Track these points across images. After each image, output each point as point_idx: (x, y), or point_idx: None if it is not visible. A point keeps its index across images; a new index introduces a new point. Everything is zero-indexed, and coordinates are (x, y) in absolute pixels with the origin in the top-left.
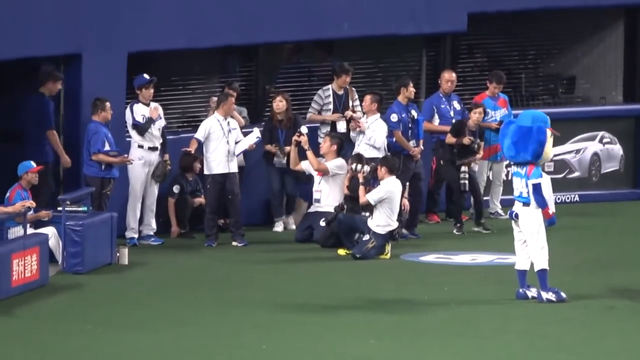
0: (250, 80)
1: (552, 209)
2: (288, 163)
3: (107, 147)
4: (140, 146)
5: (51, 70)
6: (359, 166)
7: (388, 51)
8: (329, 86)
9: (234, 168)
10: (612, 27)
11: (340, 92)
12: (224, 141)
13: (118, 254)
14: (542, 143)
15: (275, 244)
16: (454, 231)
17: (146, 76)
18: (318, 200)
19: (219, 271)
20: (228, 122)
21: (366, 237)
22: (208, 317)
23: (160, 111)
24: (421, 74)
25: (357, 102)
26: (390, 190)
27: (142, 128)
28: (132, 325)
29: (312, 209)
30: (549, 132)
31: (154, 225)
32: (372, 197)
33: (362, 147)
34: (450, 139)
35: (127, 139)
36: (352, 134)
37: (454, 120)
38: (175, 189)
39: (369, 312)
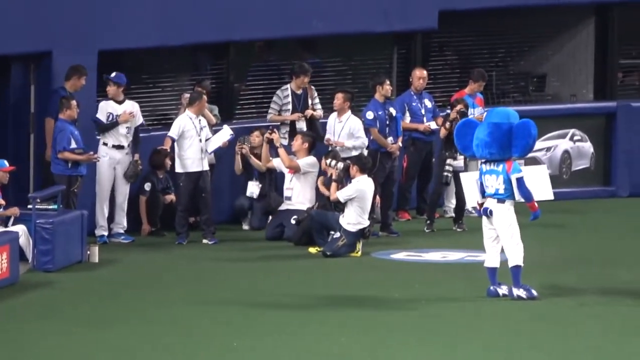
0: (221, 78)
1: (549, 196)
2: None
3: (73, 145)
4: (105, 143)
5: (78, 65)
6: (333, 162)
7: (359, 49)
8: (287, 86)
9: (206, 166)
10: (583, 25)
11: (299, 92)
12: (197, 139)
13: (88, 252)
14: (533, 136)
15: (245, 242)
16: (424, 229)
17: (108, 75)
18: (289, 198)
19: (190, 269)
20: (199, 120)
21: (337, 234)
22: (179, 314)
23: (137, 109)
24: (392, 72)
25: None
26: (360, 189)
27: (100, 125)
28: (103, 323)
29: (283, 207)
30: None
31: (124, 223)
32: (341, 194)
33: (347, 144)
34: (443, 131)
35: (97, 137)
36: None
37: (424, 119)
38: (147, 186)
39: (340, 309)
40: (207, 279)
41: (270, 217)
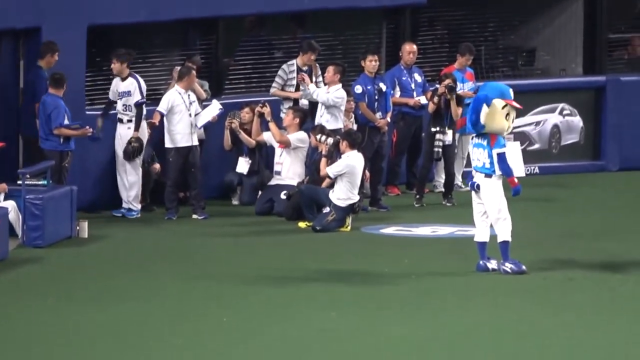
0: (211, 54)
1: (521, 173)
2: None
3: (66, 121)
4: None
5: (49, 42)
6: (323, 137)
7: (348, 24)
8: (294, 61)
9: (196, 141)
10: None
11: (305, 69)
12: (187, 114)
13: (78, 228)
14: (476, 111)
15: (235, 217)
16: (414, 203)
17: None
18: (279, 173)
19: (180, 244)
20: (189, 95)
21: (327, 209)
22: (168, 290)
23: (133, 88)
24: (381, 47)
25: (321, 79)
26: (350, 165)
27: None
28: (93, 298)
29: (272, 182)
30: (499, 103)
31: (124, 197)
32: (332, 170)
33: (324, 117)
34: (431, 106)
35: (87, 112)
36: (301, 88)
37: (414, 93)
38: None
39: (330, 284)
40: (196, 254)
41: (259, 192)
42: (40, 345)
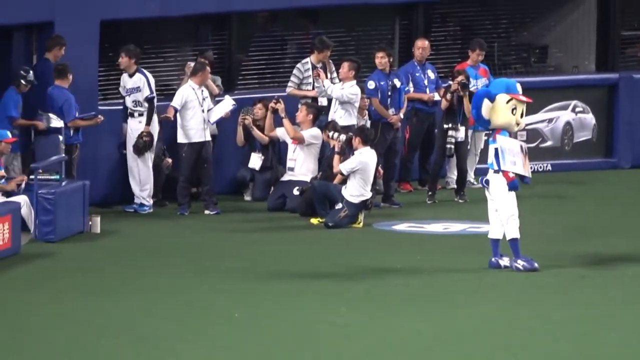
0: (224, 49)
1: (521, 172)
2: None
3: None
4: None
5: (57, 36)
6: (335, 134)
7: (361, 20)
8: (308, 59)
9: (209, 136)
10: None
11: (319, 65)
12: (200, 110)
13: (90, 222)
14: (477, 106)
15: (247, 212)
16: (426, 200)
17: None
18: (292, 169)
19: (192, 239)
20: (202, 91)
21: (339, 205)
22: (180, 284)
23: (142, 83)
24: (394, 43)
25: (335, 75)
26: (363, 162)
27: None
28: (105, 292)
29: (285, 178)
30: (503, 97)
31: (137, 192)
32: (344, 167)
33: (337, 113)
34: (444, 102)
35: (100, 107)
36: (315, 85)
37: (427, 89)
38: None
39: (341, 280)
40: (207, 249)
41: (272, 188)
42: (52, 339)
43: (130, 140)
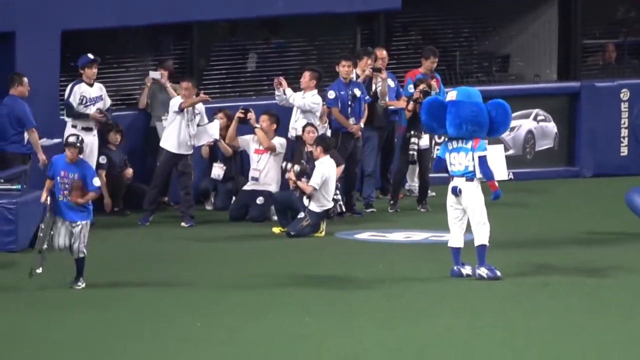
0: (184, 59)
1: (503, 177)
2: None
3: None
4: (74, 126)
5: (13, 74)
6: (289, 165)
7: (322, 29)
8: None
9: (190, 150)
10: (547, 5)
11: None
12: (185, 125)
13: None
14: (510, 117)
15: (209, 222)
16: (388, 209)
17: (90, 56)
18: (256, 179)
19: (152, 249)
20: (193, 108)
21: (301, 215)
22: (139, 296)
23: (104, 92)
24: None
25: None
26: (325, 172)
27: (71, 110)
28: (64, 304)
29: (247, 187)
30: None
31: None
32: (314, 182)
33: (299, 122)
34: (407, 112)
35: (61, 117)
36: (276, 93)
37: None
38: (102, 159)
39: (304, 289)
40: (168, 260)
41: (234, 198)
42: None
43: (91, 153)
